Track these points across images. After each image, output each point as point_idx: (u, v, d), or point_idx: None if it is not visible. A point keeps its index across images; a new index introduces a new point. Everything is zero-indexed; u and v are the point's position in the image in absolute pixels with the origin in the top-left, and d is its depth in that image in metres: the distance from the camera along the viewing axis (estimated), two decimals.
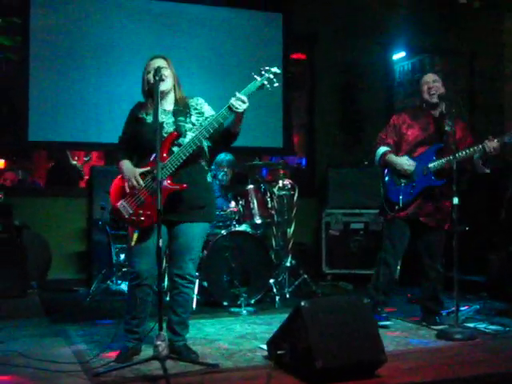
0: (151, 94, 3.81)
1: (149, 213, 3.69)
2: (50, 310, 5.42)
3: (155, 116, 3.59)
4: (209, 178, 3.98)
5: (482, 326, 4.78)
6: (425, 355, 4.00)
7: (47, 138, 7.00)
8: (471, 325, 4.80)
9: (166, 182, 3.68)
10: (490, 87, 8.23)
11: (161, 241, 3.41)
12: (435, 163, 4.67)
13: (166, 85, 3.82)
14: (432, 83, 4.75)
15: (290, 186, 6.25)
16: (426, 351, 4.10)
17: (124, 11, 7.21)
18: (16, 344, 4.16)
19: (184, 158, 3.71)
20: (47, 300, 5.85)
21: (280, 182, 6.23)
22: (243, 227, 5.84)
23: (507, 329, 4.67)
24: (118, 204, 3.77)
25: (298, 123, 8.88)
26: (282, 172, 6.44)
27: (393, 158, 4.81)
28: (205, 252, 5.61)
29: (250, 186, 5.98)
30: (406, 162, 4.75)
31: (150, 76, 3.78)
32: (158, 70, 3.71)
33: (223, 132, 3.79)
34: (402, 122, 4.86)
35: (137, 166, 3.82)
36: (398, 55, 8.29)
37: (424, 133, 4.80)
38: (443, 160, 4.63)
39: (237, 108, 3.64)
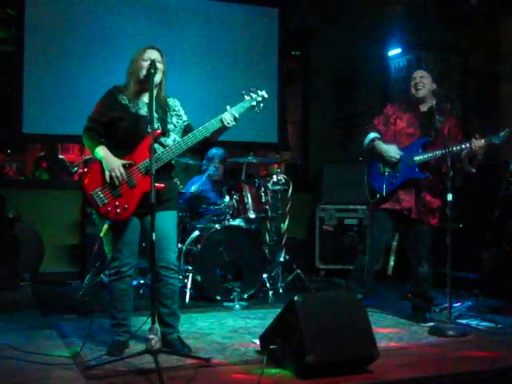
0: (140, 81, 3.79)
1: (126, 206, 3.66)
2: (43, 303, 5.42)
3: (150, 110, 3.57)
4: (173, 174, 3.99)
5: (474, 322, 4.81)
6: (417, 351, 4.01)
7: (42, 131, 6.96)
8: (464, 321, 4.83)
9: (145, 179, 3.66)
10: (485, 84, 8.24)
11: (154, 234, 3.40)
12: (421, 156, 4.70)
13: (156, 78, 3.78)
14: (419, 79, 4.78)
15: (284, 181, 6.24)
16: (418, 347, 4.11)
17: (119, 3, 7.17)
18: (7, 337, 4.14)
19: (169, 159, 3.75)
20: (40, 293, 5.84)
21: (274, 176, 6.22)
22: (237, 222, 5.83)
23: (499, 325, 4.70)
24: (93, 192, 3.69)
25: (292, 118, 8.86)
26: (276, 167, 6.44)
27: (381, 144, 4.82)
28: (198, 246, 5.60)
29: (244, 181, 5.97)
30: (394, 150, 4.74)
31: (145, 64, 3.73)
32: (154, 63, 3.70)
33: (202, 140, 3.83)
34: (393, 113, 4.92)
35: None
36: (394, 51, 8.27)
37: (410, 126, 4.83)
38: (430, 154, 4.66)
39: (228, 123, 3.76)
